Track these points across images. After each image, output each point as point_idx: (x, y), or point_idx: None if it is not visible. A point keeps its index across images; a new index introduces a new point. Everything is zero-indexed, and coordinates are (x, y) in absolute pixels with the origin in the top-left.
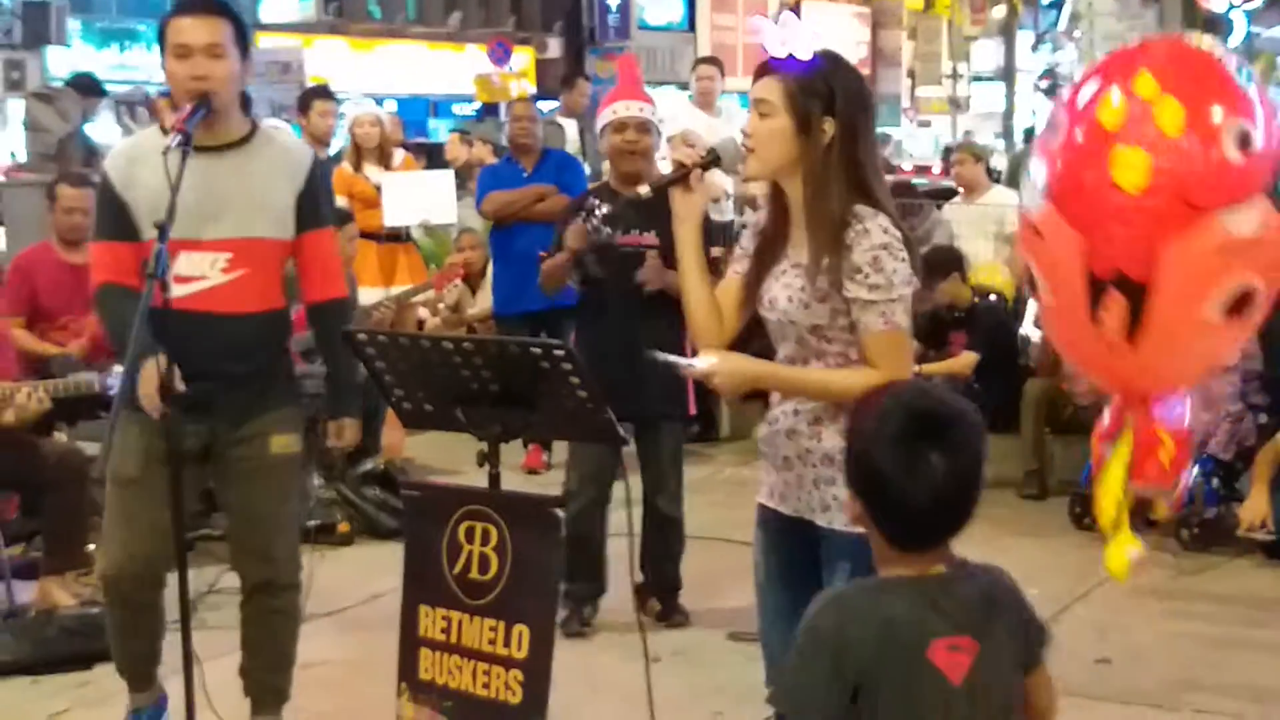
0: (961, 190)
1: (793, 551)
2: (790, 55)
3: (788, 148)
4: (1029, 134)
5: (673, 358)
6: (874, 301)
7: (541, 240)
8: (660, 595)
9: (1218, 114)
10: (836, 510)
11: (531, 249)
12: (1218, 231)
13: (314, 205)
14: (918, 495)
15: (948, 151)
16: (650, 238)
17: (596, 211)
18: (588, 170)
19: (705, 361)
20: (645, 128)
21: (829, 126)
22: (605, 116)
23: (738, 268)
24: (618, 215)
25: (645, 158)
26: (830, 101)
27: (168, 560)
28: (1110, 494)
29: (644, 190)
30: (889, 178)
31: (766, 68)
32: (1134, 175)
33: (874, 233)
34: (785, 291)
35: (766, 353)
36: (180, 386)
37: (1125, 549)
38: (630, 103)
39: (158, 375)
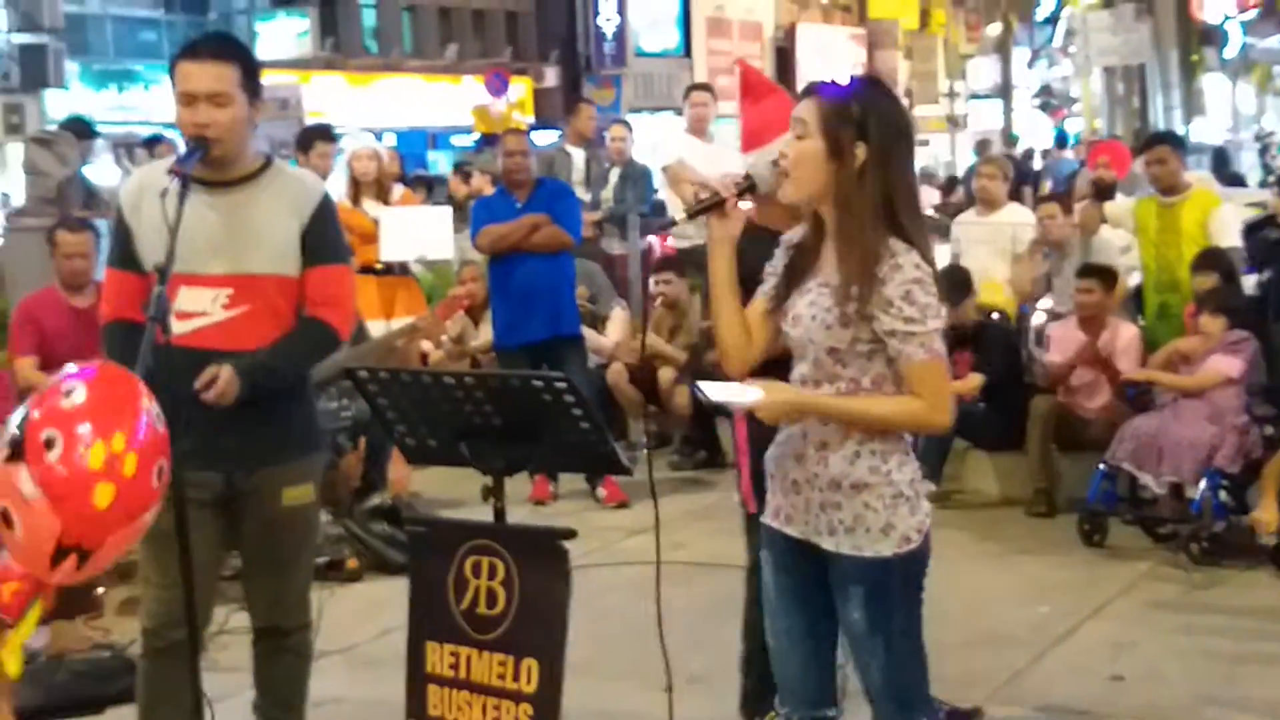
0: (979, 205)
1: (806, 574)
2: (833, 80)
3: (820, 170)
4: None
5: (720, 393)
6: (913, 333)
7: (538, 272)
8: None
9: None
10: (843, 534)
11: (529, 281)
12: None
13: (321, 240)
14: None
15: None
16: None
17: None
18: (588, 199)
19: (752, 395)
20: None
21: (860, 152)
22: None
23: (766, 288)
24: None
25: None
26: (864, 127)
27: (206, 609)
28: (21, 635)
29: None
30: None
31: (809, 90)
32: (105, 498)
33: (906, 268)
34: (809, 310)
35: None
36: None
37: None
38: None
39: None
